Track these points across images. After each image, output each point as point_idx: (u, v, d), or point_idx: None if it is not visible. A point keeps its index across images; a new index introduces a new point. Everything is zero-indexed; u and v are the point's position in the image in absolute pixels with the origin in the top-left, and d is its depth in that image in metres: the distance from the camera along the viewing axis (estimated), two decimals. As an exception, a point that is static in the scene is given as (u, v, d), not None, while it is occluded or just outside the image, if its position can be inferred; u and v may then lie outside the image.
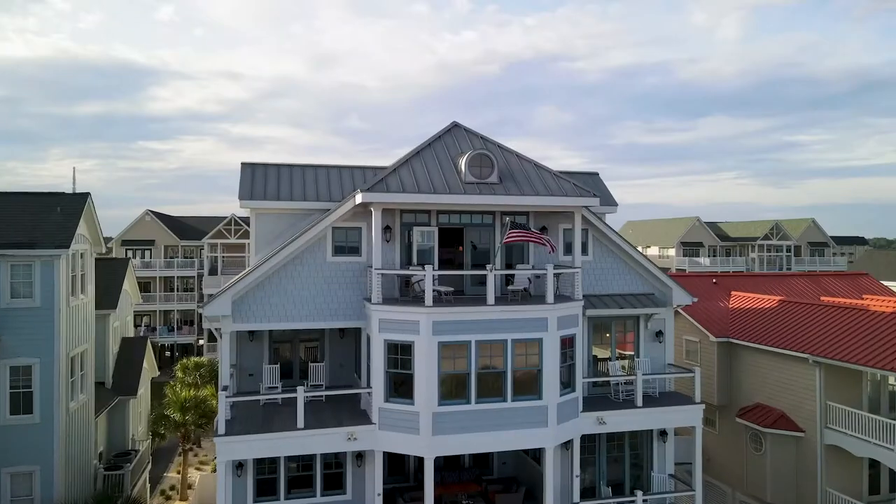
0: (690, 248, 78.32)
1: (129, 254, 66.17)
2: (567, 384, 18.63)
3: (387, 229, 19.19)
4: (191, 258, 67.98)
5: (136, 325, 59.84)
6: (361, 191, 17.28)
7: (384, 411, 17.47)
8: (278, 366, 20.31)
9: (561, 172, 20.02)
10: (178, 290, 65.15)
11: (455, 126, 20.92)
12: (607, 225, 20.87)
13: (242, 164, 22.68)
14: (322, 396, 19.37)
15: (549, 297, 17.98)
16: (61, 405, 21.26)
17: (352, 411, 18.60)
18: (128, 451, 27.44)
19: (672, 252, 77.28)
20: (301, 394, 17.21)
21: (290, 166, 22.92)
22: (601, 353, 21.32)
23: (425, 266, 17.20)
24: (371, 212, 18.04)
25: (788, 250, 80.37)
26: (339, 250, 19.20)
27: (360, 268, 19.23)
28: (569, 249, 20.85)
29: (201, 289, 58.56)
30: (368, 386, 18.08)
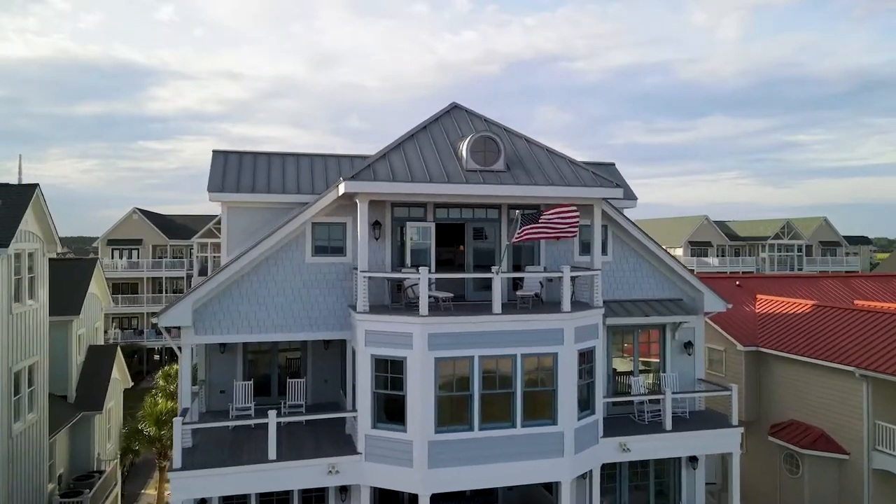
0: (698, 247, 75.61)
1: (116, 254, 63.58)
2: (586, 405, 15.97)
3: (375, 225, 16.53)
4: (180, 258, 65.34)
5: (121, 330, 57.31)
6: (345, 179, 14.61)
7: (372, 439, 14.80)
8: (252, 382, 17.64)
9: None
10: (166, 292, 62.47)
11: (455, 107, 18.28)
12: (630, 220, 18.20)
13: (214, 152, 20.03)
14: (301, 420, 16.68)
15: (566, 303, 15.31)
16: (1, 428, 18.58)
17: (335, 437, 15.93)
18: (91, 472, 24.76)
19: (679, 252, 74.50)
20: (273, 420, 14.53)
21: (269, 155, 20.26)
22: (621, 365, 18.66)
23: (420, 268, 14.54)
24: (356, 204, 15.36)
25: (800, 250, 77.75)
26: (320, 250, 16.54)
27: (345, 270, 16.58)
28: (586, 249, 18.18)
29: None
30: (354, 408, 15.43)
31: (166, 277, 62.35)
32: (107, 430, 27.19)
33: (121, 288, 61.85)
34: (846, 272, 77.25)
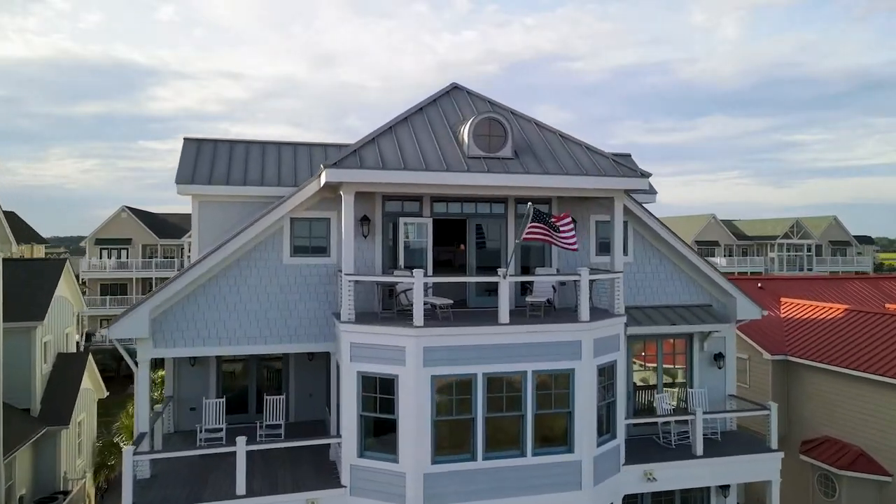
0: (705, 247, 73.42)
1: (104, 254, 61.45)
2: (606, 428, 13.85)
3: (363, 221, 14.41)
4: (171, 258, 63.21)
5: (89, 336, 55.06)
6: (327, 166, 12.48)
7: (358, 471, 12.68)
8: (224, 400, 15.53)
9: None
10: (156, 293, 60.23)
11: (455, 88, 16.16)
12: (653, 216, 16.06)
13: (185, 140, 17.89)
14: (278, 443, 14.56)
15: (584, 311, 13.18)
16: (-58, 451, 16.48)
17: (317, 464, 13.82)
18: (56, 493, 22.62)
19: (686, 251, 72.23)
20: (242, 448, 12.40)
21: (247, 143, 18.12)
22: (642, 378, 16.54)
23: (414, 270, 12.42)
24: (341, 196, 13.22)
25: (809, 250, 75.63)
26: (300, 249, 14.42)
27: (329, 272, 14.47)
28: (604, 248, 16.07)
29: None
30: (338, 432, 13.32)
31: (156, 278, 60.15)
32: (76, 446, 25.04)
33: (109, 289, 59.74)
34: (856, 273, 75.24)
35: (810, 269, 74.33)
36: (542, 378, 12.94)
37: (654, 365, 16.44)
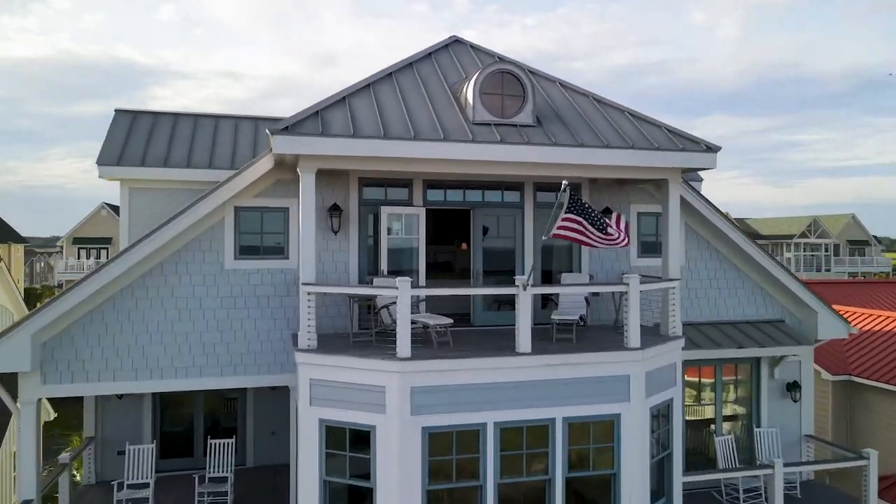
0: (719, 247, 69.59)
1: (82, 253, 57.84)
2: (660, 492, 10.25)
3: (334, 211, 10.81)
4: (154, 259, 59.50)
5: None
6: (275, 132, 8.84)
7: (319, 559, 9.07)
8: (153, 446, 11.93)
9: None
10: (138, 296, 56.66)
11: (456, 41, 12.57)
12: (711, 205, 12.43)
13: (116, 111, 14.30)
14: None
15: (633, 334, 9.56)
16: None
17: (269, 540, 10.23)
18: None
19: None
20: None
21: (196, 116, 14.55)
22: (692, 411, 12.93)
23: (399, 279, 8.80)
24: (300, 176, 9.57)
25: (827, 249, 72.03)
26: (248, 250, 10.83)
27: (289, 280, 10.88)
28: (648, 248, 12.47)
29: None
30: (296, 501, 9.73)
31: (138, 280, 56.50)
32: (12, 479, 21.43)
33: (87, 291, 56.06)
34: (877, 274, 71.66)
35: (828, 270, 70.75)
36: (577, 428, 9.32)
37: (701, 391, 12.84)
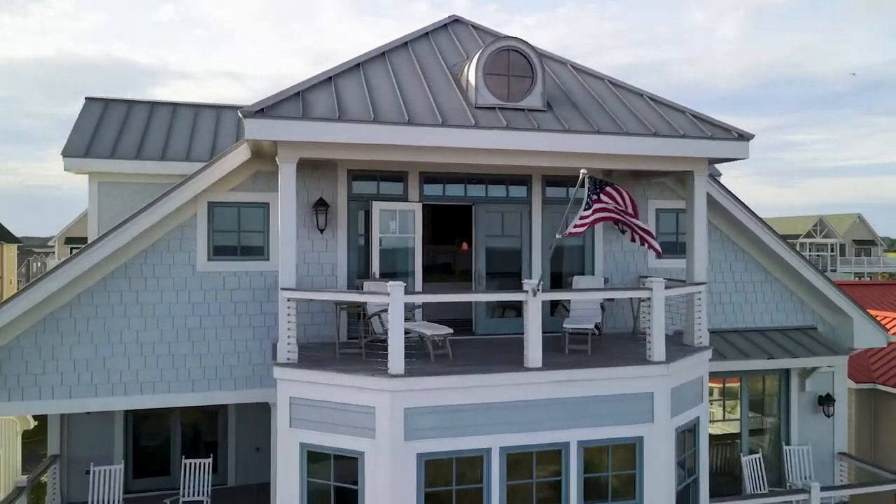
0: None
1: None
2: (685, 523, 9.12)
3: (319, 207, 9.68)
4: (148, 259, 58.32)
5: None
6: (248, 114, 7.70)
7: None
8: (122, 467, 10.81)
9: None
10: (131, 297, 55.46)
11: (456, 21, 11.43)
12: (739, 201, 11.30)
13: (87, 99, 13.17)
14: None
15: (658, 347, 8.41)
16: None
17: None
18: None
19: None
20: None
21: (173, 105, 13.44)
22: (715, 426, 11.80)
23: (390, 284, 7.65)
24: (279, 167, 8.43)
25: (833, 249, 70.90)
26: (223, 250, 9.69)
27: (269, 284, 9.74)
28: (669, 248, 11.34)
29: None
30: (275, 532, 8.60)
31: (131, 280, 55.35)
32: (-14, 492, 20.30)
33: (80, 292, 54.92)
34: (882, 275, 70.51)
35: (834, 270, 69.59)
36: (594, 453, 8.19)
37: (725, 405, 11.72)
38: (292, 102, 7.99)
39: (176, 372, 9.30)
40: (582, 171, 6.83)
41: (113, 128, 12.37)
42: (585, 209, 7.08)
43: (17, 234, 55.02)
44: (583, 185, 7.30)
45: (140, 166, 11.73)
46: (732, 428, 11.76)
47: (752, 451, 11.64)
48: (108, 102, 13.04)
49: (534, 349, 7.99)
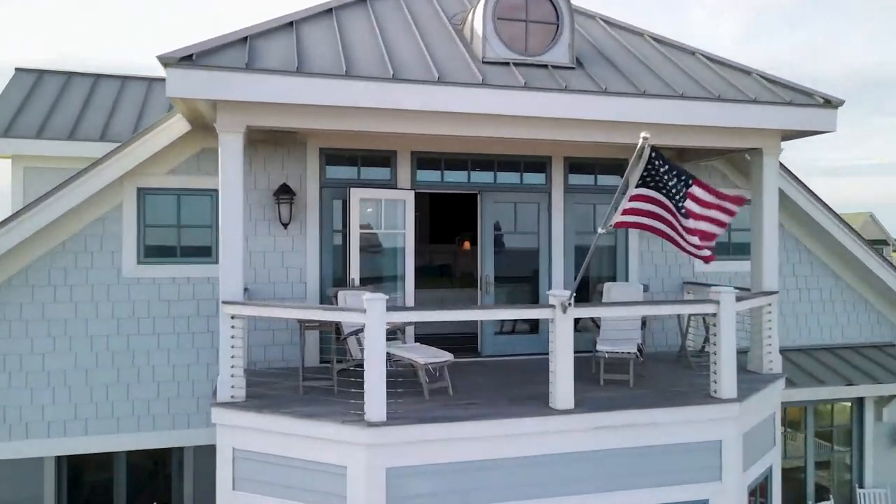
0: (731, 246, 66.47)
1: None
2: None
3: (282, 195, 7.56)
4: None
5: None
6: (168, 63, 5.58)
7: None
8: (43, 520, 8.67)
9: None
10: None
11: (457, -32, 9.31)
12: (809, 190, 9.18)
13: (17, 70, 11.07)
14: None
15: (726, 380, 6.30)
16: None
17: None
18: None
19: (709, 251, 65.39)
20: None
21: (122, 78, 11.36)
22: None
23: (366, 296, 5.53)
24: (219, 138, 6.29)
25: (844, 249, 68.73)
26: (158, 250, 7.57)
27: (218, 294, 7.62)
28: (719, 248, 9.24)
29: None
30: None
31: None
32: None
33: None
34: None
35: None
36: (643, 523, 6.09)
37: (785, 439, 9.60)
38: (235, 49, 5.88)
39: (95, 407, 7.21)
40: (642, 134, 4.71)
41: (44, 103, 10.28)
42: (640, 185, 4.93)
43: None
44: (640, 156, 5.12)
45: (74, 148, 9.63)
46: (793, 464, 9.65)
47: (817, 487, 9.54)
48: (41, 74, 10.94)
49: (563, 385, 5.88)
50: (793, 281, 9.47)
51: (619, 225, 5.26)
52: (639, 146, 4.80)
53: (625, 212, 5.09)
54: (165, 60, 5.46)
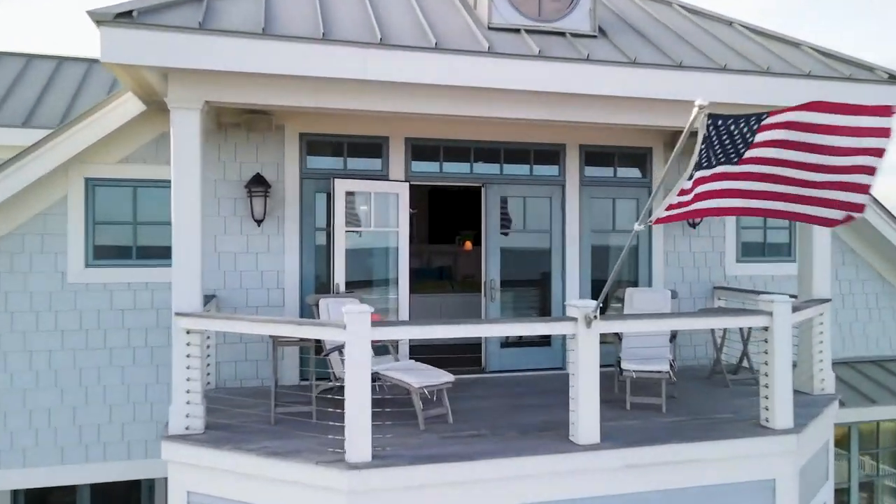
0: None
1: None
2: None
3: (255, 187, 6.51)
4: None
5: None
6: (103, 21, 4.54)
7: None
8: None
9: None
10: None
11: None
12: (854, 183, 8.16)
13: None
14: None
15: (780, 408, 5.27)
16: None
17: None
18: None
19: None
20: None
21: (59, 59, 10.39)
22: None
23: (346, 308, 4.50)
24: (171, 115, 5.26)
25: (850, 248, 67.90)
26: (110, 251, 6.54)
27: (181, 301, 6.57)
28: (752, 249, 8.22)
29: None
30: None
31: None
32: None
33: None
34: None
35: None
36: (682, 580, 5.05)
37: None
38: (189, 6, 4.84)
39: (35, 434, 6.17)
40: (697, 101, 3.64)
41: (-5, 86, 9.26)
42: (700, 168, 3.84)
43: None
44: (694, 130, 3.98)
45: (27, 135, 8.59)
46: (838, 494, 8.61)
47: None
48: (-6, 54, 9.92)
49: (587, 415, 4.85)
50: (836, 286, 8.44)
51: (669, 219, 4.17)
52: (691, 118, 3.74)
53: (672, 206, 4.03)
54: (98, 17, 4.42)
